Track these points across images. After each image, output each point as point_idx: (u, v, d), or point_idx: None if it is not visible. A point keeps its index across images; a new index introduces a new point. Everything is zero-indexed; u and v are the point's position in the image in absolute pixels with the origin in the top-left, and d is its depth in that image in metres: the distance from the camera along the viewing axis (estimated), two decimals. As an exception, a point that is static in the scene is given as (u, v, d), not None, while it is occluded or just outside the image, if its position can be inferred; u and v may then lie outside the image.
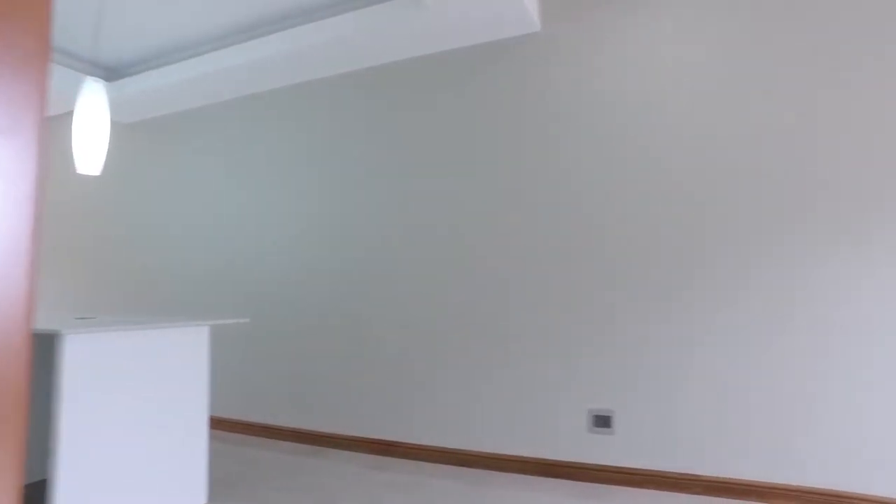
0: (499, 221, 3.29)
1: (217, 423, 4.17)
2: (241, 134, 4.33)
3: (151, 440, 2.35)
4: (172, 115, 4.72)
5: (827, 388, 2.59)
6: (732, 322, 2.74)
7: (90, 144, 2.80)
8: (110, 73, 4.43)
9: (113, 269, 4.91)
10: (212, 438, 3.94)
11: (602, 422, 2.98)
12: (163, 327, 2.41)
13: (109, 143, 5.07)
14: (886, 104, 2.60)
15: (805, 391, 2.62)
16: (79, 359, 2.09)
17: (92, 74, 4.32)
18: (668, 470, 2.81)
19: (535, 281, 3.15)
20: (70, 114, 5.18)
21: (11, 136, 0.57)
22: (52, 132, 5.38)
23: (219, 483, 2.98)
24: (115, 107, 4.61)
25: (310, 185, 3.97)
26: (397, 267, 3.58)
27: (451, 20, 3.20)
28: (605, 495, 2.77)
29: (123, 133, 4.99)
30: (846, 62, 2.67)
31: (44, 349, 3.03)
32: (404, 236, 3.58)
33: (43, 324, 2.22)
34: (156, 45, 4.03)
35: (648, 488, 2.83)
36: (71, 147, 5.26)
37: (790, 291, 2.67)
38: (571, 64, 3.19)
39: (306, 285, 3.91)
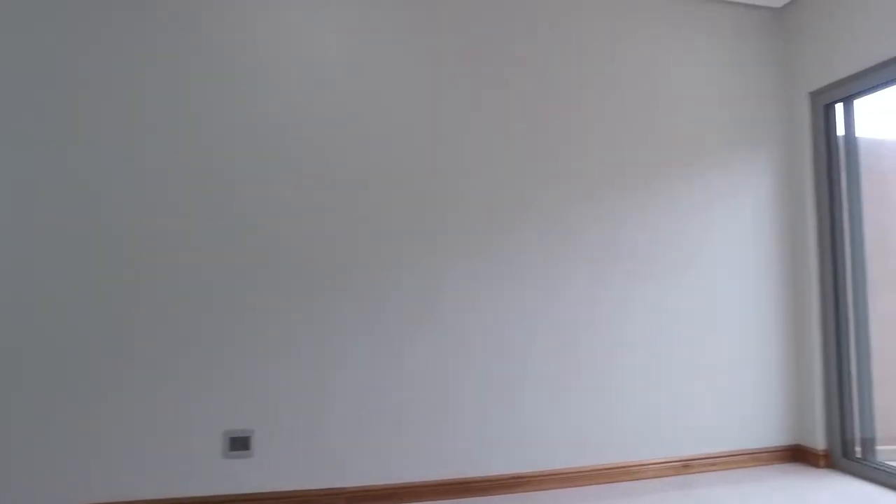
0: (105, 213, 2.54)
1: None
2: None
3: None
4: None
5: (459, 387, 2.71)
6: (373, 328, 2.65)
7: None
8: None
9: None
10: None
11: (240, 444, 2.55)
12: None
13: None
14: (507, 105, 2.88)
15: (442, 392, 2.70)
16: None
17: None
18: (310, 488, 2.55)
19: (157, 282, 2.52)
20: None
21: None
22: None
23: None
24: None
25: None
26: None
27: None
28: (238, 532, 2.35)
29: None
30: (473, 67, 2.87)
31: None
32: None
33: None
34: None
35: (289, 512, 2.52)
36: None
37: (426, 296, 2.72)
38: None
39: None
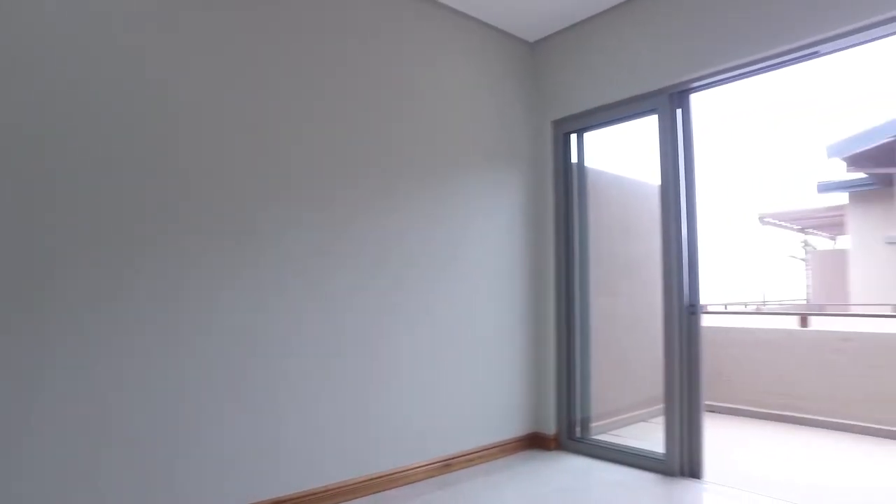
0: None
1: None
2: None
3: None
4: None
5: (198, 398, 2.34)
6: (89, 339, 2.12)
7: None
8: None
9: None
10: None
11: None
12: None
13: None
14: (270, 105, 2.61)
15: (174, 405, 2.29)
16: None
17: None
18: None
19: None
20: None
21: None
22: None
23: None
24: None
25: None
26: None
27: None
28: None
29: None
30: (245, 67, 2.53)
31: None
32: None
33: None
34: None
35: None
36: None
37: (163, 294, 2.29)
38: None
39: None
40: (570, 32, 3.63)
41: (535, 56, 3.84)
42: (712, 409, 4.57)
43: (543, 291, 3.68)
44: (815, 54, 2.69)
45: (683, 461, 3.00)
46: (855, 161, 8.39)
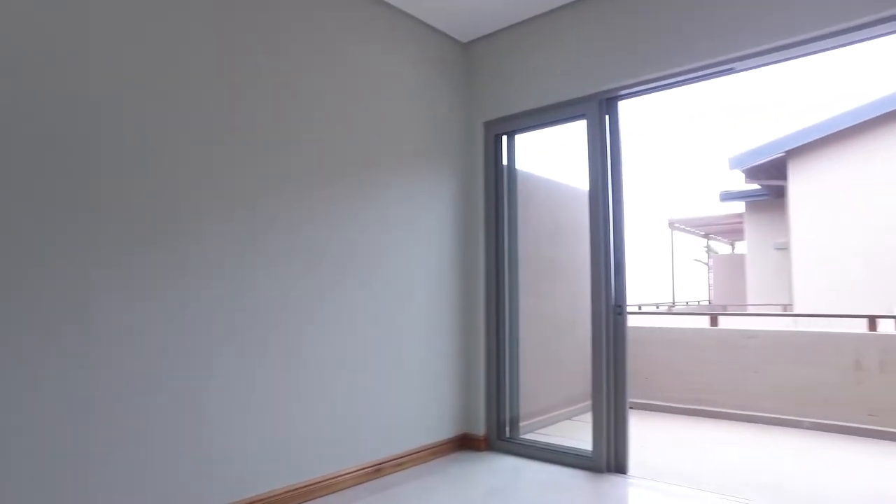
0: None
1: None
2: None
3: None
4: None
5: (108, 408, 2.14)
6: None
7: None
8: None
9: None
10: None
11: None
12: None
13: None
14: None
15: (83, 417, 2.08)
16: None
17: None
18: None
19: None
20: None
21: None
22: None
23: None
24: None
25: None
26: None
27: None
28: None
29: None
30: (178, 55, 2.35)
31: None
32: None
33: None
34: None
35: None
36: None
37: (73, 295, 2.08)
38: None
39: None
40: (504, 35, 3.66)
41: (468, 57, 3.84)
42: (632, 406, 4.77)
43: (474, 292, 3.69)
44: (731, 70, 2.86)
45: (610, 457, 3.10)
46: (752, 173, 9.08)
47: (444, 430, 3.49)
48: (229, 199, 2.48)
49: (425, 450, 3.32)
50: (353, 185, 3.02)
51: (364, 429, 2.99)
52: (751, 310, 10.36)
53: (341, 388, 2.90)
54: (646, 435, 4.09)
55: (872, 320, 4.33)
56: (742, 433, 4.11)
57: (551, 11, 3.42)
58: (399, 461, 3.15)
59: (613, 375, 3.13)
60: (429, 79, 3.54)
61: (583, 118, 3.30)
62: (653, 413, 4.77)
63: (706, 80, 2.95)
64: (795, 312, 7.69)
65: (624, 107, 3.27)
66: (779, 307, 9.65)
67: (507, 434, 3.60)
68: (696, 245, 18.17)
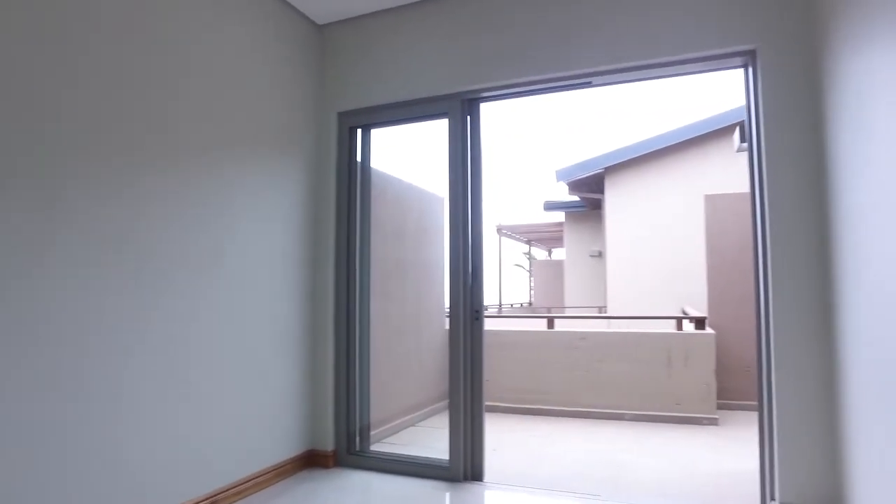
0: None
1: None
2: None
3: None
4: None
5: None
6: None
7: None
8: None
9: None
10: None
11: None
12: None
13: None
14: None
15: None
16: None
17: None
18: None
19: None
20: None
21: None
22: None
23: None
24: None
25: None
26: None
27: None
28: None
29: None
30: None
31: None
32: None
33: None
34: None
35: None
36: None
37: None
38: None
39: None
40: (364, 21, 3.43)
41: (323, 40, 3.54)
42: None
43: (323, 296, 3.39)
44: (589, 84, 2.98)
45: (467, 466, 3.03)
46: (575, 186, 9.92)
47: (289, 449, 3.14)
48: (22, 190, 1.91)
49: (269, 472, 2.95)
50: (182, 182, 2.55)
51: (197, 460, 2.54)
52: (568, 312, 11.34)
53: (168, 419, 2.41)
54: (491, 438, 4.14)
55: (679, 321, 4.91)
56: (577, 429, 4.36)
57: (418, 3, 3.28)
58: (238, 489, 2.74)
59: (471, 381, 3.08)
60: (280, 61, 3.17)
61: (445, 116, 3.21)
62: (492, 414, 4.88)
63: (567, 90, 3.04)
64: (617, 315, 8.50)
65: (488, 108, 3.26)
66: (595, 309, 10.68)
67: (358, 447, 3.36)
68: (518, 250, 19.53)
